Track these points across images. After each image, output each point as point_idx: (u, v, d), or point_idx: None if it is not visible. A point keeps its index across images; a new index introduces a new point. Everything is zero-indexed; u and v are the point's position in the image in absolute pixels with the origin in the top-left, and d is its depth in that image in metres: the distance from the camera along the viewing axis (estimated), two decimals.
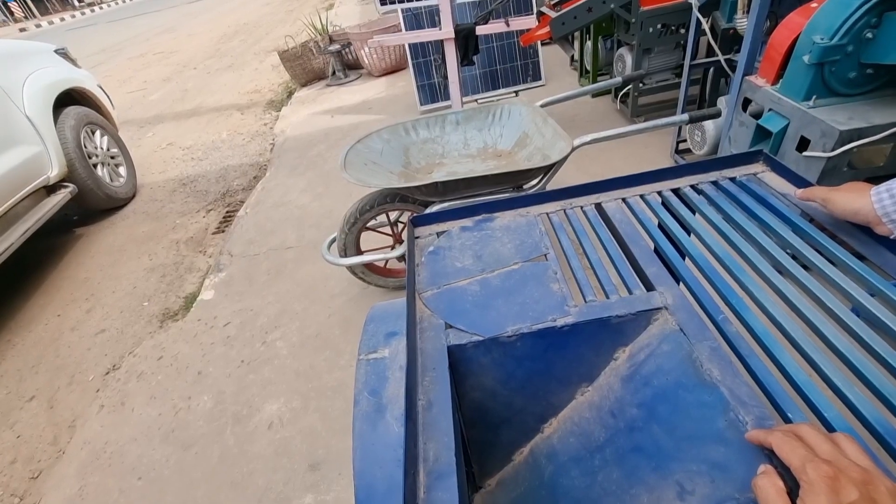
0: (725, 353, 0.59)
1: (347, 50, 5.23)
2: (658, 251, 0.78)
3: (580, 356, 0.71)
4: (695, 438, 0.54)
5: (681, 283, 0.73)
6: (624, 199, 0.91)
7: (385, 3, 2.33)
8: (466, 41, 2.35)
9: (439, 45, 3.76)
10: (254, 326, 2.17)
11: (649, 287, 0.72)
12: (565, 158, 1.59)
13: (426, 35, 2.37)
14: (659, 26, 2.72)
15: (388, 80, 4.94)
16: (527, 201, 0.94)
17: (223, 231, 3.20)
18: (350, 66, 5.38)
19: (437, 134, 2.07)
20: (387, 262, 2.09)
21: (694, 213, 0.85)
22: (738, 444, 0.50)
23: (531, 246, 0.84)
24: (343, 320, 2.08)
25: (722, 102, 2.37)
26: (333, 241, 2.00)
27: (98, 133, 3.77)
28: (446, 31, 2.30)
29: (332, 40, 5.30)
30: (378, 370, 0.68)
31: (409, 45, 3.75)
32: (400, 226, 2.10)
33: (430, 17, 3.76)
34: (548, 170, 1.66)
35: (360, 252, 2.03)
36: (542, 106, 2.01)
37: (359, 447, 0.61)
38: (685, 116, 1.64)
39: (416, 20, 3.74)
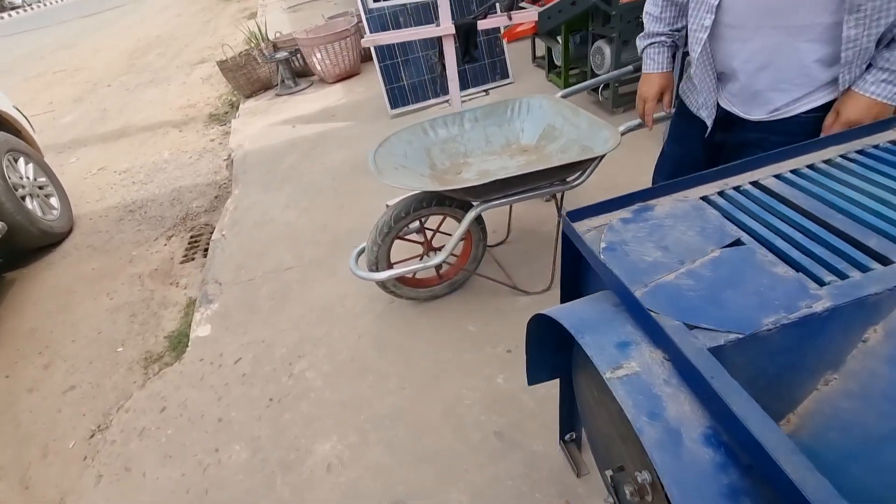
0: None
1: (295, 57, 4.95)
2: (863, 222, 0.74)
3: (830, 342, 0.65)
4: None
5: None
6: (778, 176, 0.88)
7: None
8: (467, 37, 2.27)
9: (409, 44, 3.67)
10: (272, 359, 1.94)
11: (885, 261, 0.68)
12: (616, 147, 1.55)
13: (424, 32, 2.27)
14: (637, 18, 2.79)
15: (344, 87, 4.74)
16: (679, 186, 0.88)
17: (193, 258, 2.88)
18: (299, 74, 5.10)
19: (456, 132, 1.97)
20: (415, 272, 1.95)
21: (864, 181, 0.82)
22: None
23: (715, 231, 0.78)
24: (376, 340, 1.92)
25: None
26: (360, 253, 1.83)
27: (22, 161, 3.28)
28: (445, 27, 2.20)
29: (276, 48, 5.00)
30: (640, 388, 0.58)
31: (375, 48, 3.60)
32: (429, 233, 1.97)
33: (395, 19, 3.64)
34: (597, 161, 1.62)
35: (391, 265, 1.88)
36: (562, 97, 1.97)
37: (673, 484, 0.50)
38: None
39: (380, 22, 3.60)
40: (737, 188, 0.87)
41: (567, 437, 1.38)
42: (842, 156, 0.88)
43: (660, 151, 1.56)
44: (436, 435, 1.54)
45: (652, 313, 0.64)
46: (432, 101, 3.88)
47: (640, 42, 1.28)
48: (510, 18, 2.22)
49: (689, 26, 1.11)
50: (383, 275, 1.71)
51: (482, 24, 2.25)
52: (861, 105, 0.96)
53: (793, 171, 0.88)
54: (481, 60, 3.81)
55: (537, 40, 4.14)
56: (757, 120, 1.12)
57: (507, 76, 3.99)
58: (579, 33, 3.42)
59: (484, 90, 3.92)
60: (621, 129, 1.63)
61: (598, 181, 2.36)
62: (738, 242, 0.75)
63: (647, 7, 1.25)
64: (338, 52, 4.64)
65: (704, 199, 0.86)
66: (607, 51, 3.00)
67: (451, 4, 3.10)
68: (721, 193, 0.86)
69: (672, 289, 0.69)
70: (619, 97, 3.14)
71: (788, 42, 0.99)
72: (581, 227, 0.84)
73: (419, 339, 1.88)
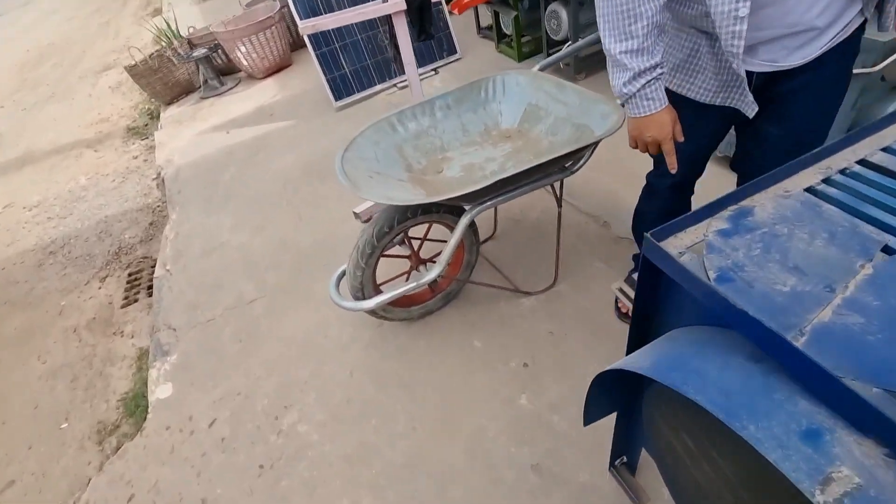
0: None
1: (216, 54, 4.44)
2: None
3: None
4: None
5: None
6: (886, 149, 0.70)
7: None
8: (421, 12, 1.99)
9: (347, 27, 3.32)
10: (254, 415, 1.66)
11: None
12: (622, 125, 1.36)
13: (371, 11, 1.97)
14: None
15: (276, 81, 4.31)
16: (774, 178, 0.69)
17: (136, 300, 2.51)
18: (223, 72, 4.60)
19: (428, 124, 1.71)
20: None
21: None
22: None
23: (851, 236, 0.60)
24: (372, 374, 1.68)
25: None
26: (340, 278, 1.57)
27: None
28: (395, 3, 1.92)
29: (192, 45, 4.47)
30: None
31: (309, 35, 3.23)
32: (416, 243, 1.73)
33: (326, 1, 3.27)
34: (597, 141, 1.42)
35: (377, 287, 1.63)
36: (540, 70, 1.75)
37: None
38: None
39: (310, 5, 3.22)
40: (843, 171, 0.69)
41: (617, 462, 1.22)
42: None
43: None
44: (464, 479, 1.34)
45: (843, 380, 0.45)
46: (379, 86, 3.56)
47: (629, 87, 0.97)
48: None
49: (715, 26, 0.88)
50: (372, 302, 1.46)
51: None
52: None
53: None
54: (437, 35, 3.52)
55: (481, 9, 3.89)
56: (805, 62, 0.95)
57: (455, 51, 3.72)
58: None
59: (433, 69, 3.64)
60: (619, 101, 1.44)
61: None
62: (889, 249, 0.57)
63: (621, 46, 0.92)
64: (264, 44, 4.19)
65: (811, 191, 0.67)
66: (563, 14, 2.79)
67: None
68: (827, 181, 0.68)
69: (839, 332, 0.50)
70: (580, 61, 2.96)
71: None
72: (669, 248, 0.64)
73: (421, 366, 1.66)
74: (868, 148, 0.71)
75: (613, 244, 1.91)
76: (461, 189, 1.28)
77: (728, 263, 0.60)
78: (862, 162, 0.69)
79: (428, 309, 1.79)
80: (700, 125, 1.10)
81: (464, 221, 1.43)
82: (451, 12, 3.62)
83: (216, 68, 4.49)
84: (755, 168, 1.21)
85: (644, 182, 1.44)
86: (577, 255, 1.89)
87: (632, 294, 1.32)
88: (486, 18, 3.90)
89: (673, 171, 1.04)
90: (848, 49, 0.96)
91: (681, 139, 1.03)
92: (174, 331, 2.09)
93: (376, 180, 1.45)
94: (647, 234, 0.63)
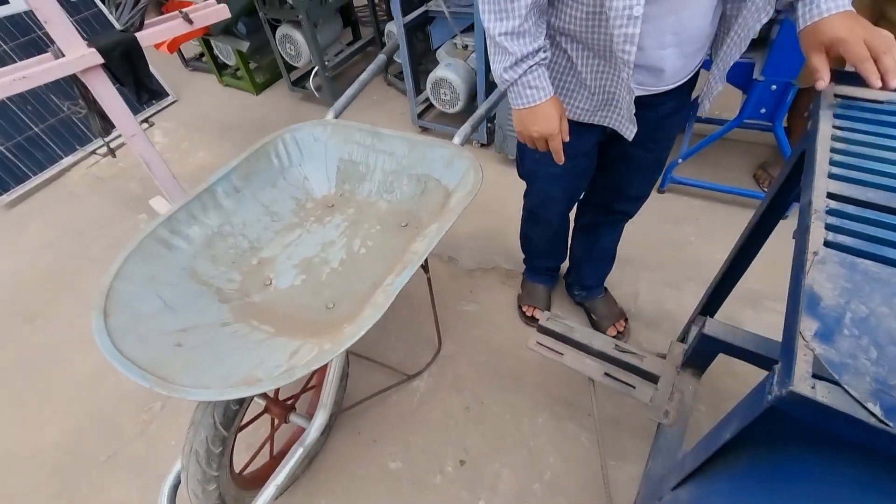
0: None
1: None
2: None
3: None
4: None
5: None
6: (835, 177, 0.70)
7: None
8: (131, 63, 1.34)
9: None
10: None
11: None
12: (482, 176, 1.18)
13: (43, 73, 1.21)
14: None
15: None
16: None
17: None
18: None
19: (218, 222, 1.22)
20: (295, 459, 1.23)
21: None
22: None
23: None
24: None
25: (442, 54, 2.29)
26: (174, 494, 1.01)
27: None
28: (81, 55, 1.24)
29: None
30: None
31: None
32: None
33: None
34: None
35: (242, 480, 1.11)
36: (337, 117, 1.43)
37: None
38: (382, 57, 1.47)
39: None
40: (829, 211, 0.65)
41: None
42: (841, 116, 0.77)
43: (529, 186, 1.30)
44: None
45: None
46: (69, 158, 2.58)
47: (510, 73, 0.87)
48: (190, 21, 1.44)
49: (609, 25, 0.80)
50: None
51: (144, 39, 1.40)
52: (848, 20, 0.74)
53: (837, 164, 0.72)
54: (162, 92, 2.71)
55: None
56: (678, 85, 0.94)
57: (166, 93, 2.96)
58: (240, 21, 2.71)
59: (143, 121, 2.81)
60: (457, 140, 1.26)
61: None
62: None
63: (501, 26, 0.82)
64: None
65: (830, 246, 0.61)
66: (298, 36, 2.45)
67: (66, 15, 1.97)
68: (832, 228, 0.63)
69: None
70: (333, 83, 2.68)
71: None
72: (800, 386, 0.48)
73: None
74: (818, 175, 0.70)
75: (469, 279, 1.78)
76: (354, 327, 0.91)
77: (871, 384, 0.48)
78: (831, 196, 0.68)
79: (310, 455, 1.34)
80: (579, 143, 1.02)
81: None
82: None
83: None
84: (619, 181, 1.23)
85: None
86: (442, 303, 1.70)
87: (551, 344, 1.21)
88: (192, 48, 3.21)
89: (560, 164, 0.97)
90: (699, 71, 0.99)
91: (567, 139, 0.95)
92: None
93: (190, 347, 0.93)
94: (794, 391, 0.46)
